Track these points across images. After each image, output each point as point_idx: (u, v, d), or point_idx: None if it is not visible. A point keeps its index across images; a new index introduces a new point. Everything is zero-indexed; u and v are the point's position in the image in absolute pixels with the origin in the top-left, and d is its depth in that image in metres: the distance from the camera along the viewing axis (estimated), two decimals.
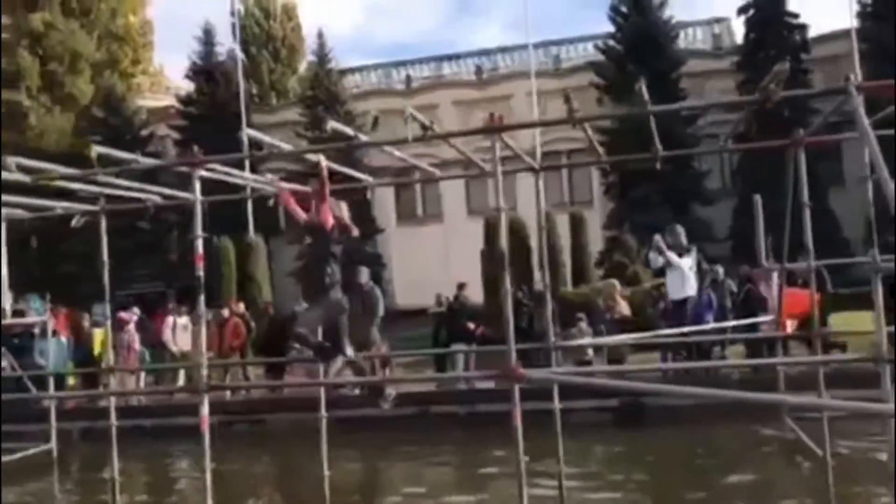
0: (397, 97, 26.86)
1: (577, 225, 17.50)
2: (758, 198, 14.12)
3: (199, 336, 6.25)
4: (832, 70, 20.91)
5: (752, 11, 22.22)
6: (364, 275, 11.69)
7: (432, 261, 23.36)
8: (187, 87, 27.30)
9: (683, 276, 11.37)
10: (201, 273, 5.37)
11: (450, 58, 30.47)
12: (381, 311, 11.83)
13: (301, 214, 6.19)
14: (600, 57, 23.03)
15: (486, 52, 29.50)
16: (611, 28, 22.71)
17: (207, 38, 25.93)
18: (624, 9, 22.17)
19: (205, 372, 5.11)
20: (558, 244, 17.10)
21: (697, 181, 21.23)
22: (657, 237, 11.65)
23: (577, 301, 13.47)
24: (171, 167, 8.73)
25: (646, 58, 20.10)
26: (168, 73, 35.02)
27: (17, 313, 13.03)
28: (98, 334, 12.75)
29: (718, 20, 27.18)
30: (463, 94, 26.22)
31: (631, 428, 10.31)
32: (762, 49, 21.42)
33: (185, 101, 26.03)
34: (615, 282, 12.43)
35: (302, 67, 33.56)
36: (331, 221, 5.95)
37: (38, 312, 13.58)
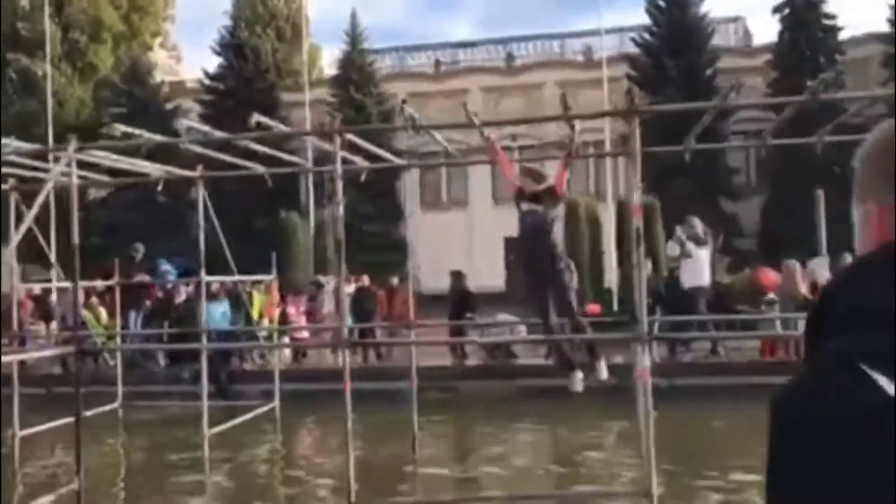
0: (426, 81, 28.58)
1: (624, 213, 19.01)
2: (820, 192, 16.14)
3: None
4: (863, 73, 22.65)
5: (787, 10, 23.90)
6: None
7: (455, 247, 25.08)
8: (205, 63, 29.01)
9: (699, 265, 13.01)
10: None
11: (473, 44, 32.18)
12: None
13: (513, 175, 6.70)
14: (635, 49, 24.73)
15: (509, 40, 31.14)
16: (646, 20, 24.41)
17: (236, 14, 27.59)
18: (661, 2, 23.86)
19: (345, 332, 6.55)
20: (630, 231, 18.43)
21: (727, 177, 22.94)
22: (679, 228, 13.45)
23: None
24: (305, 135, 10.28)
25: (682, 52, 21.78)
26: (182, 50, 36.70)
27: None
28: (257, 299, 13.86)
29: (735, 19, 28.97)
30: (492, 80, 27.91)
31: None
32: (796, 49, 23.11)
33: (212, 76, 27.64)
34: (797, 263, 13.87)
35: (305, 48, 35.09)
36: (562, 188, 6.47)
37: (168, 275, 14.55)
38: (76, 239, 6.22)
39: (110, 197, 26.11)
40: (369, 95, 24.27)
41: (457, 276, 15.00)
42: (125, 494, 7.95)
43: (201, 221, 9.39)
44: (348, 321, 14.20)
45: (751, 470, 8.17)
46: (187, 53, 33.85)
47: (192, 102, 27.64)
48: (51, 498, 6.17)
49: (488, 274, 22.91)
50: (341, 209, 6.82)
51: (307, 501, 7.84)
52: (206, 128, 8.67)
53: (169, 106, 27.83)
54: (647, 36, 24.22)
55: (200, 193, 9.54)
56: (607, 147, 20.82)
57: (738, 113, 22.28)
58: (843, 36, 24.26)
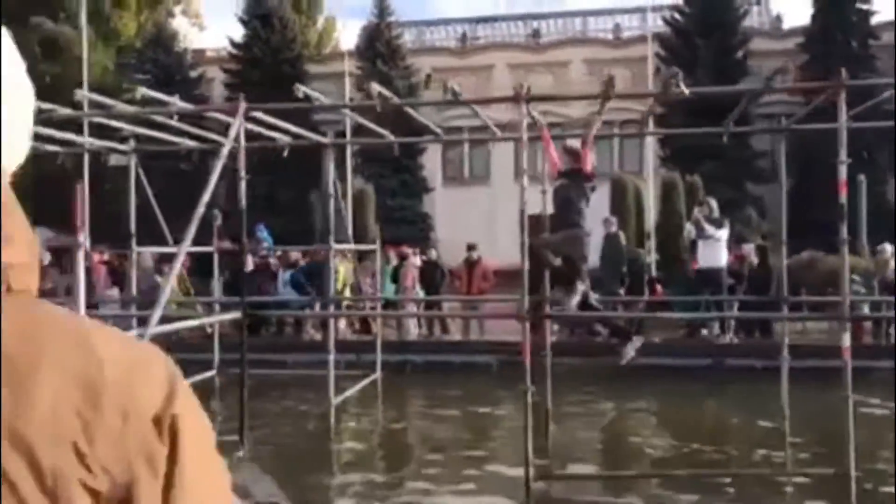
0: (450, 56, 28.95)
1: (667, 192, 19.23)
2: (862, 178, 16.54)
3: None
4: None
5: None
6: None
7: (476, 223, 25.55)
8: (229, 32, 29.37)
9: (718, 246, 13.43)
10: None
11: (495, 19, 32.44)
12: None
13: (555, 158, 7.41)
14: (664, 29, 24.99)
15: (533, 17, 31.38)
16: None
17: None
18: None
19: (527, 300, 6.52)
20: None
21: (752, 160, 23.29)
22: (696, 210, 13.94)
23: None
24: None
25: (713, 32, 22.05)
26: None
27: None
28: (342, 269, 13.88)
29: (759, 1, 29.09)
30: (518, 57, 28.24)
31: None
32: (828, 33, 23.34)
33: (237, 45, 28.05)
34: (889, 247, 14.43)
35: (320, 21, 35.33)
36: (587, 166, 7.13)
37: (268, 243, 14.85)
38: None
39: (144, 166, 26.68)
40: (395, 69, 24.65)
41: None
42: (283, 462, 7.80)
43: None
44: (419, 293, 14.67)
45: None
46: (209, 22, 34.38)
47: (218, 71, 28.11)
48: None
49: (510, 251, 23.31)
50: (526, 181, 6.82)
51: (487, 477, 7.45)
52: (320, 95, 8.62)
53: (193, 74, 28.32)
54: (677, 15, 24.48)
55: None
56: (651, 126, 21.10)
57: (764, 96, 22.59)
58: (875, 20, 24.47)
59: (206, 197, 5.67)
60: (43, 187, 13.56)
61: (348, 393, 9.69)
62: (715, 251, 13.47)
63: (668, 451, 8.70)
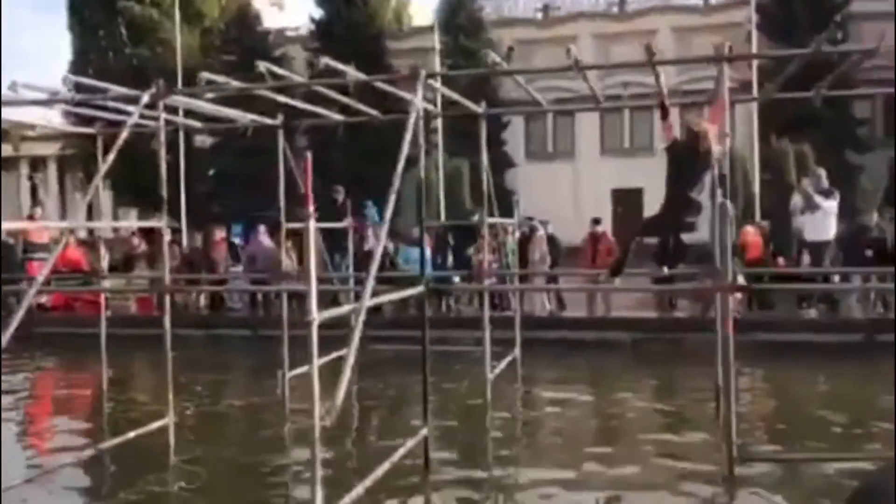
0: (532, 27, 28.57)
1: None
2: None
3: None
4: None
5: None
6: None
7: (561, 198, 25.23)
8: (309, 10, 29.61)
9: (826, 218, 12.83)
10: None
11: None
12: None
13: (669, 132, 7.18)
14: None
15: None
16: None
17: None
18: None
19: None
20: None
21: (853, 128, 22.32)
22: (805, 180, 13.34)
23: None
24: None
25: None
26: None
27: None
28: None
29: None
30: (603, 26, 27.67)
31: None
32: None
33: (319, 23, 28.28)
34: None
35: None
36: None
37: (373, 220, 14.59)
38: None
39: (218, 144, 27.18)
40: (478, 41, 24.44)
41: None
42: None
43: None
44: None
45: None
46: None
47: (299, 50, 28.40)
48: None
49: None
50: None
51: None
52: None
53: (276, 53, 28.67)
54: None
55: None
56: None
57: (864, 61, 21.48)
58: None
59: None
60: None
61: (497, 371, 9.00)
62: (821, 223, 12.92)
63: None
